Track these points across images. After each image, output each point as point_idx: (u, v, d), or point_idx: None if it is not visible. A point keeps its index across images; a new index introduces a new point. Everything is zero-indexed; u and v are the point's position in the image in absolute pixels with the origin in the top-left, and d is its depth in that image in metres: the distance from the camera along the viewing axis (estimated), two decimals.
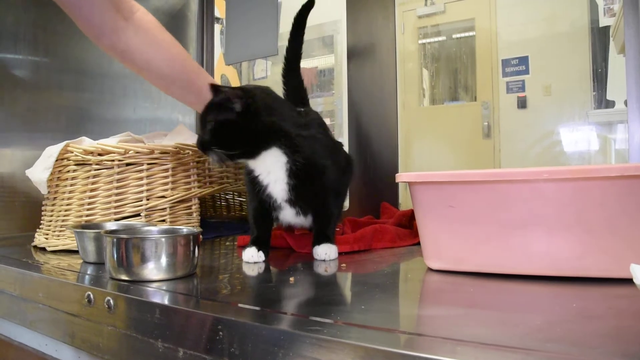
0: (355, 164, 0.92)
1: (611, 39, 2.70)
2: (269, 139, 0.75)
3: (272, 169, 0.77)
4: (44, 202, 1.01)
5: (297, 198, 0.79)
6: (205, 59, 1.73)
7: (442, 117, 3.79)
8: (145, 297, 0.58)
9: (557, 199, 0.58)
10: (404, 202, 1.28)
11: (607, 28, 3.03)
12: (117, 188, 0.92)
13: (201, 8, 1.72)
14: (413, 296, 0.61)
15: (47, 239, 0.95)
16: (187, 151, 0.98)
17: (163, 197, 0.94)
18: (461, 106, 3.77)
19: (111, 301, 0.59)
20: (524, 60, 3.37)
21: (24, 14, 1.26)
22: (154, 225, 0.84)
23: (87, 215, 0.92)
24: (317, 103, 3.43)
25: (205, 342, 0.49)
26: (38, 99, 1.28)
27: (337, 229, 0.91)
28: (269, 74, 3.59)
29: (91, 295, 0.62)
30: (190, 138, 1.10)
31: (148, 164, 0.94)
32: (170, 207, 0.95)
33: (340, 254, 0.81)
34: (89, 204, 0.92)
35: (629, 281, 0.55)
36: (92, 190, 0.92)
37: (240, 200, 1.41)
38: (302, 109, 0.87)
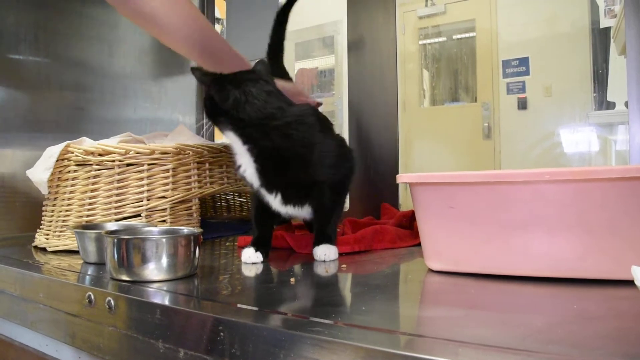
0: (356, 161, 0.88)
1: (612, 40, 2.70)
2: (223, 120, 0.76)
3: (238, 151, 0.78)
4: (44, 203, 1.01)
5: (270, 184, 0.78)
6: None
7: (443, 118, 3.79)
8: (146, 297, 0.58)
9: (558, 200, 0.58)
10: (405, 202, 1.28)
11: (607, 29, 3.03)
12: (117, 188, 0.92)
13: (202, 8, 1.72)
14: (414, 297, 0.61)
15: (47, 239, 0.95)
16: (188, 152, 0.98)
17: (164, 197, 0.94)
18: (461, 107, 3.77)
19: (112, 302, 0.59)
20: (524, 61, 3.37)
21: (25, 14, 1.26)
22: (155, 226, 0.84)
23: (88, 216, 0.92)
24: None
25: (206, 343, 0.49)
26: (39, 99, 1.28)
27: (338, 230, 0.91)
28: None
29: (92, 296, 0.62)
30: (190, 139, 1.10)
31: (149, 164, 0.94)
32: (170, 208, 0.95)
33: (340, 254, 0.81)
34: (90, 204, 0.92)
35: (629, 283, 0.55)
36: (92, 190, 0.92)
37: (241, 201, 1.41)
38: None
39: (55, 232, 0.95)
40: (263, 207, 0.83)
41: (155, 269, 0.65)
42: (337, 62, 3.42)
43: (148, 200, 0.93)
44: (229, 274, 0.71)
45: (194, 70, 0.78)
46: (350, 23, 1.34)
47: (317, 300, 0.57)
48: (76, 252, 0.86)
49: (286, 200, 0.80)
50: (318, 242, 0.80)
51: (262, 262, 0.79)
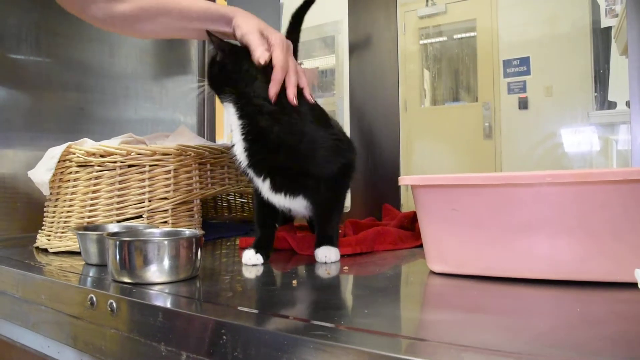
0: (354, 157, 0.86)
1: (613, 40, 2.70)
2: (229, 91, 0.77)
3: (234, 126, 0.78)
4: (46, 204, 1.01)
5: (257, 166, 0.78)
6: (207, 60, 1.73)
7: (443, 118, 3.79)
8: (148, 300, 0.58)
9: (560, 202, 0.58)
10: (406, 203, 1.28)
11: (608, 29, 3.03)
12: (119, 190, 0.92)
13: None
14: (416, 300, 0.61)
15: (49, 240, 0.95)
16: (189, 153, 0.98)
17: (165, 198, 0.94)
18: (462, 107, 3.77)
19: (114, 304, 0.59)
20: (525, 61, 3.37)
21: (27, 15, 1.26)
22: (156, 227, 0.84)
23: (89, 217, 0.92)
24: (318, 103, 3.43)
25: (208, 346, 0.49)
26: (40, 99, 1.28)
27: (339, 231, 0.91)
28: None
29: (94, 298, 0.62)
30: (192, 139, 1.10)
31: (150, 165, 0.94)
32: (172, 209, 0.95)
33: (342, 256, 0.81)
34: (91, 205, 0.92)
35: (631, 285, 0.55)
36: (94, 191, 0.92)
37: (242, 202, 1.41)
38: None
39: (56, 233, 0.94)
40: (265, 207, 0.82)
41: (157, 271, 0.64)
42: (337, 62, 3.42)
43: (150, 201, 0.93)
44: (231, 275, 0.71)
45: (211, 35, 0.80)
46: (352, 23, 1.34)
47: (319, 303, 0.57)
48: (78, 254, 0.86)
49: (275, 188, 0.79)
50: (319, 244, 0.80)
51: (263, 264, 0.78)
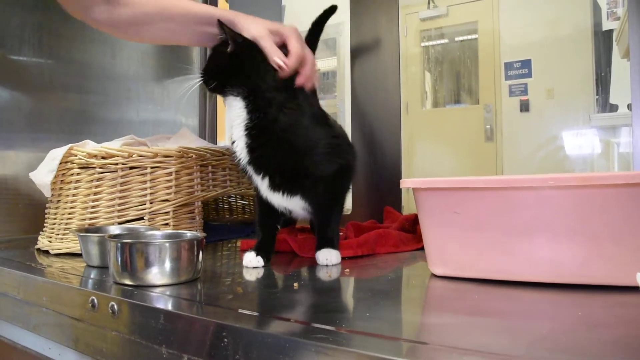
0: (354, 158, 0.87)
1: (615, 42, 2.70)
2: (241, 83, 0.77)
3: (235, 122, 0.78)
4: (47, 205, 1.02)
5: (257, 162, 0.78)
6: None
7: (445, 120, 3.79)
8: (149, 302, 0.58)
9: (562, 206, 0.58)
10: (407, 206, 1.28)
11: (610, 32, 3.02)
12: (120, 191, 0.92)
13: None
14: (417, 303, 0.61)
15: (50, 242, 0.95)
16: (191, 155, 0.98)
17: (166, 200, 0.94)
18: (463, 109, 3.77)
19: (115, 306, 0.59)
20: (526, 64, 3.37)
21: (29, 16, 1.27)
22: (158, 229, 0.84)
23: (91, 219, 0.92)
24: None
25: (209, 349, 0.49)
26: (42, 100, 1.29)
27: (340, 233, 0.91)
28: None
29: (95, 300, 0.62)
30: (193, 141, 1.10)
31: (151, 167, 0.94)
32: (173, 211, 0.95)
33: (343, 258, 0.81)
34: (93, 207, 0.92)
35: (633, 289, 0.55)
36: (95, 193, 0.92)
37: (243, 204, 1.41)
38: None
39: (58, 235, 0.95)
40: (266, 209, 0.83)
41: (159, 273, 0.64)
42: (339, 64, 3.43)
43: (151, 203, 0.93)
44: (232, 278, 0.71)
45: (223, 25, 0.79)
46: (353, 25, 1.34)
47: (320, 305, 0.57)
48: (79, 255, 0.86)
49: (274, 186, 0.79)
50: (320, 246, 0.80)
51: (264, 266, 0.78)
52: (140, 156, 0.93)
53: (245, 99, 0.77)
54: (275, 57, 0.76)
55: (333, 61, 3.47)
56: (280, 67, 0.76)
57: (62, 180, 0.97)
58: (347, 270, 0.75)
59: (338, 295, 0.64)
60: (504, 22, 3.49)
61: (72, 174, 0.94)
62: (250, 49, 0.78)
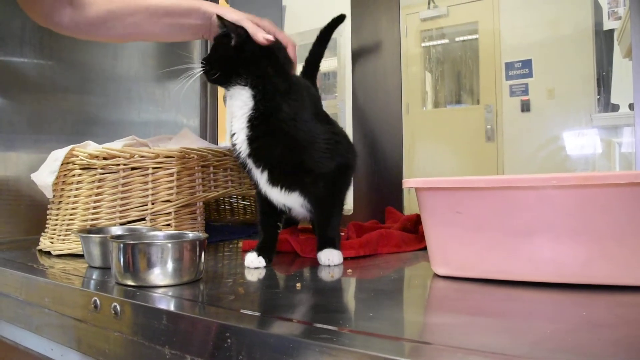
0: (354, 157, 0.87)
1: (616, 42, 2.69)
2: (247, 72, 0.77)
3: (237, 113, 0.78)
4: (49, 206, 1.02)
5: (257, 155, 0.78)
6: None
7: (445, 121, 3.79)
8: (152, 303, 0.57)
9: (564, 205, 0.58)
10: (409, 206, 1.27)
11: (611, 31, 3.02)
12: (122, 192, 0.92)
13: None
14: (420, 303, 0.61)
15: (52, 243, 0.95)
16: (192, 155, 0.98)
17: (168, 201, 0.94)
18: (464, 109, 3.76)
19: (118, 307, 0.59)
20: (527, 64, 3.37)
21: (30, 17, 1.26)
22: (160, 230, 0.84)
23: (92, 220, 0.92)
24: None
25: (212, 350, 0.49)
26: (43, 101, 1.29)
27: (342, 234, 0.91)
28: None
29: (98, 301, 0.62)
30: (195, 142, 1.10)
31: (153, 168, 0.94)
32: (175, 212, 0.95)
33: (345, 259, 0.81)
34: (94, 208, 0.92)
35: (636, 289, 0.55)
36: (97, 194, 0.92)
37: (244, 204, 1.41)
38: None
39: (59, 235, 0.95)
40: (267, 207, 0.83)
41: (161, 274, 0.64)
42: (339, 64, 3.42)
43: (152, 204, 0.93)
44: (234, 278, 0.71)
45: (224, 19, 0.80)
46: (355, 26, 1.34)
47: (323, 306, 0.57)
48: (81, 256, 0.86)
49: (273, 180, 0.79)
50: (321, 247, 0.80)
51: (265, 267, 0.78)
52: (142, 157, 0.93)
53: (254, 88, 0.77)
54: (260, 35, 0.79)
55: (333, 62, 3.47)
56: (269, 41, 0.79)
57: (63, 181, 0.97)
58: (350, 270, 0.75)
59: (341, 296, 0.64)
60: (505, 22, 3.48)
61: (74, 175, 0.94)
62: (249, 41, 0.79)
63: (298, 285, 0.65)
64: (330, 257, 0.78)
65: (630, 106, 0.99)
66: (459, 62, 3.79)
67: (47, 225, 1.01)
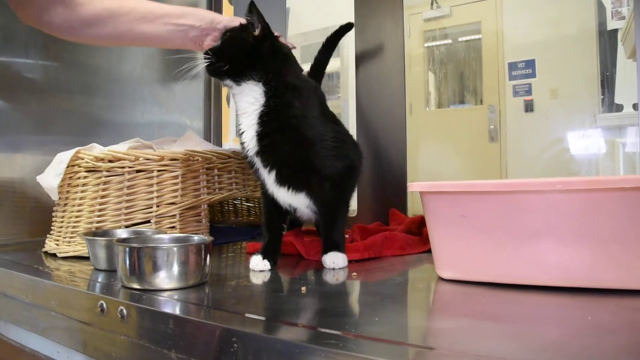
0: (360, 158, 0.87)
1: (620, 42, 2.68)
2: (264, 67, 0.78)
3: (248, 109, 0.78)
4: (54, 208, 1.02)
5: (265, 153, 0.78)
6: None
7: (448, 121, 3.78)
8: (158, 307, 0.58)
9: (569, 209, 0.58)
10: (413, 208, 1.28)
11: (614, 31, 3.01)
12: (127, 195, 0.93)
13: None
14: (425, 307, 0.61)
15: (57, 245, 0.96)
16: (197, 158, 0.98)
17: (173, 203, 0.95)
18: (467, 110, 3.76)
19: (124, 310, 0.59)
20: (530, 64, 3.36)
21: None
22: (165, 233, 0.84)
23: (98, 222, 0.92)
24: None
25: (219, 354, 0.49)
26: (48, 103, 1.29)
27: (346, 236, 0.91)
28: None
29: (104, 304, 0.62)
30: (199, 144, 1.11)
31: (158, 170, 0.94)
32: (180, 214, 0.95)
33: (350, 261, 0.81)
34: (100, 210, 0.93)
35: None
36: (102, 197, 0.93)
37: (248, 206, 1.41)
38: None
39: (65, 238, 0.95)
40: (272, 208, 0.83)
41: (167, 278, 0.65)
42: (343, 65, 3.42)
43: (157, 206, 0.93)
44: (239, 282, 0.71)
45: (254, 5, 0.81)
46: (358, 27, 1.34)
47: (329, 310, 0.57)
48: (86, 258, 0.87)
49: (281, 180, 0.79)
50: (326, 250, 0.80)
51: (270, 269, 0.79)
52: (147, 159, 0.93)
53: (267, 84, 0.78)
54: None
55: (337, 62, 3.47)
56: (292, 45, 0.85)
57: (69, 184, 0.97)
58: (354, 273, 0.75)
59: (346, 299, 0.64)
60: (508, 22, 3.48)
61: (79, 178, 0.95)
62: (272, 35, 0.80)
63: (303, 288, 0.65)
64: (335, 260, 0.79)
65: (634, 106, 0.99)
66: (462, 63, 3.78)
67: (52, 228, 1.01)
